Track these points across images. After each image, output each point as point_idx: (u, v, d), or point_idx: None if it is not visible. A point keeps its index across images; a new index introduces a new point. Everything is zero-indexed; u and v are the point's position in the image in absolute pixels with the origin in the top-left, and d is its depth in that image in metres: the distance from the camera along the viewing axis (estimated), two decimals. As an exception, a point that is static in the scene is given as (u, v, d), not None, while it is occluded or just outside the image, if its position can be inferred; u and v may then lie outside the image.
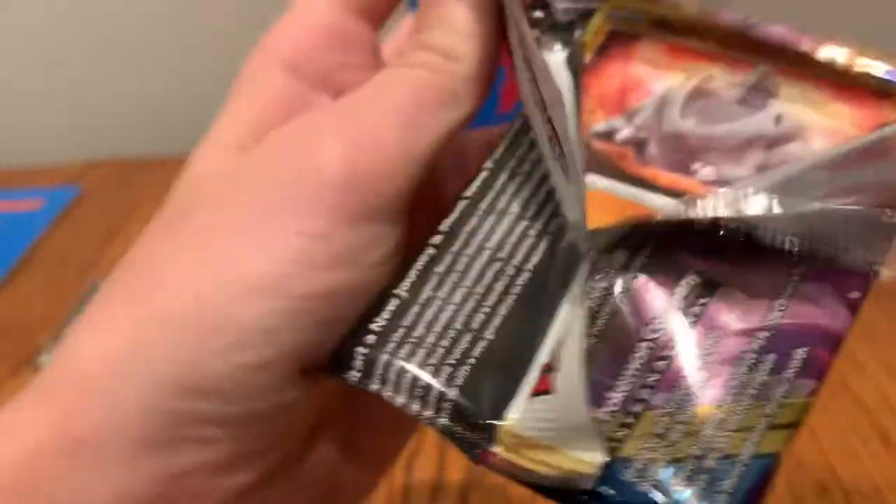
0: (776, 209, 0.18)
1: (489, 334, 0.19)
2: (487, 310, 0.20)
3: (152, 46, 0.85)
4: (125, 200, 0.75)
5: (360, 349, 0.19)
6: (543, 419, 0.18)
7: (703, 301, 0.19)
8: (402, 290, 0.20)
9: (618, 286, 0.19)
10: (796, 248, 0.19)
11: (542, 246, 0.20)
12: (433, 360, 0.19)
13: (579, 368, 0.18)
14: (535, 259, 0.20)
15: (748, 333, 0.18)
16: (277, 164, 0.19)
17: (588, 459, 0.17)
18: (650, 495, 0.17)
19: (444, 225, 0.20)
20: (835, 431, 0.46)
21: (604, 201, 0.20)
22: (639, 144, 0.20)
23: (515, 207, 0.21)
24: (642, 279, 0.19)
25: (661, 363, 0.18)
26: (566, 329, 0.19)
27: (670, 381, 0.18)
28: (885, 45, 0.22)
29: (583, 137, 0.21)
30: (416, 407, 0.19)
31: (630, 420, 0.18)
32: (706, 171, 0.20)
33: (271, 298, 0.17)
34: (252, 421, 0.18)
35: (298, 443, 0.21)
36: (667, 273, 0.19)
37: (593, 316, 0.19)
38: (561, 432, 0.18)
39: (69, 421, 0.18)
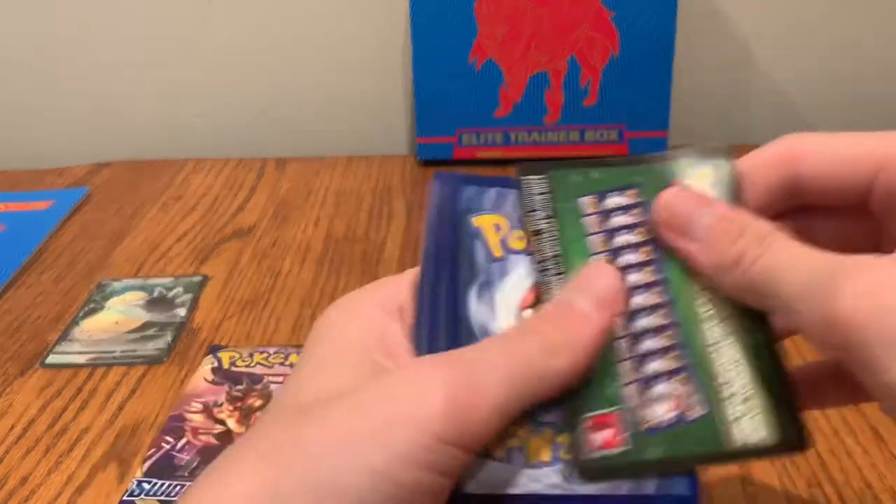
0: None
1: None
2: None
3: (157, 52, 0.86)
4: (132, 201, 0.76)
5: None
6: None
7: None
8: None
9: None
10: None
11: None
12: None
13: None
14: None
15: None
16: (398, 391, 0.24)
17: None
18: None
19: None
20: (826, 428, 0.46)
21: None
22: None
23: None
24: None
25: None
26: None
27: None
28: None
29: None
30: None
31: None
32: None
33: (381, 481, 0.23)
34: None
35: None
36: None
37: None
38: None
39: None
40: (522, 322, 0.27)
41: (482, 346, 0.26)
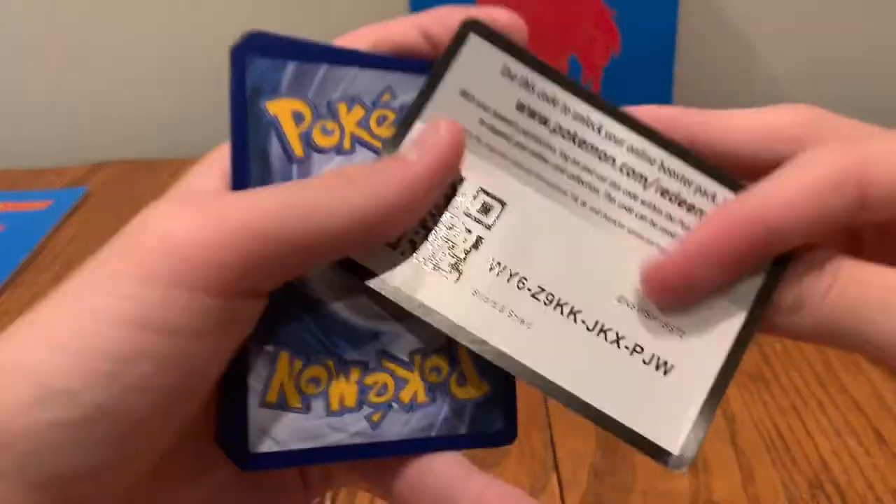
0: None
1: None
2: None
3: (156, 54, 0.86)
4: (130, 201, 0.76)
5: None
6: None
7: None
8: None
9: None
10: None
11: None
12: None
13: None
14: None
15: None
16: (122, 233, 0.19)
17: None
18: None
19: None
20: (829, 429, 0.46)
21: None
22: None
23: None
24: None
25: None
26: None
27: None
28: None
29: None
30: None
31: None
32: None
33: (72, 356, 0.18)
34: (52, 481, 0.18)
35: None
36: None
37: None
38: None
39: None
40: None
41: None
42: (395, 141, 0.22)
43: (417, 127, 0.22)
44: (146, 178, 0.81)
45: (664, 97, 0.78)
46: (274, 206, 0.19)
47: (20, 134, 0.89)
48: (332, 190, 0.20)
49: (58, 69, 0.86)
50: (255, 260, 0.19)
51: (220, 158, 0.22)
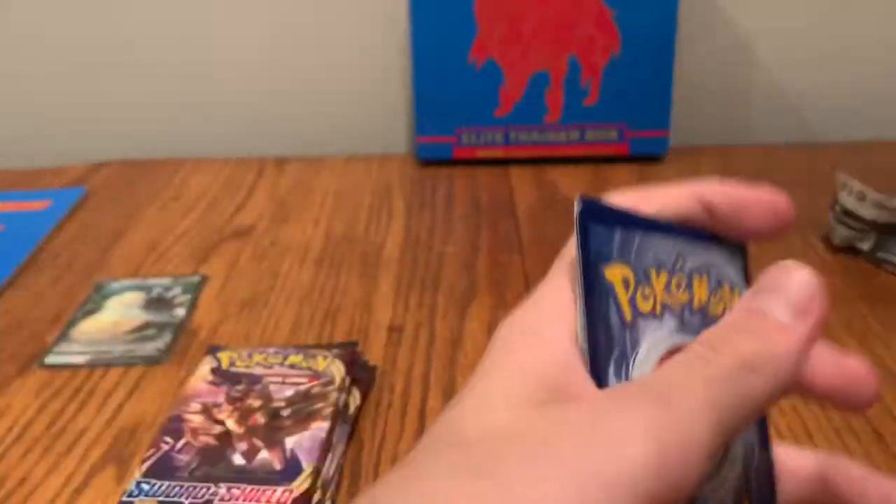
0: None
1: None
2: None
3: (155, 54, 0.86)
4: (130, 201, 0.76)
5: None
6: None
7: None
8: None
9: None
10: None
11: None
12: None
13: None
14: None
15: None
16: (587, 438, 0.20)
17: None
18: None
19: None
20: (829, 431, 0.46)
21: None
22: None
23: None
24: None
25: None
26: None
27: None
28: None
29: None
30: None
31: None
32: None
33: None
34: None
35: None
36: None
37: None
38: None
39: None
40: (707, 335, 0.22)
41: (668, 370, 0.21)
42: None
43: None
44: (145, 178, 0.80)
45: (664, 97, 0.78)
46: (702, 412, 0.20)
47: (19, 134, 0.89)
48: (733, 375, 0.20)
49: (57, 69, 0.86)
50: (703, 467, 0.20)
51: (549, 303, 0.23)
